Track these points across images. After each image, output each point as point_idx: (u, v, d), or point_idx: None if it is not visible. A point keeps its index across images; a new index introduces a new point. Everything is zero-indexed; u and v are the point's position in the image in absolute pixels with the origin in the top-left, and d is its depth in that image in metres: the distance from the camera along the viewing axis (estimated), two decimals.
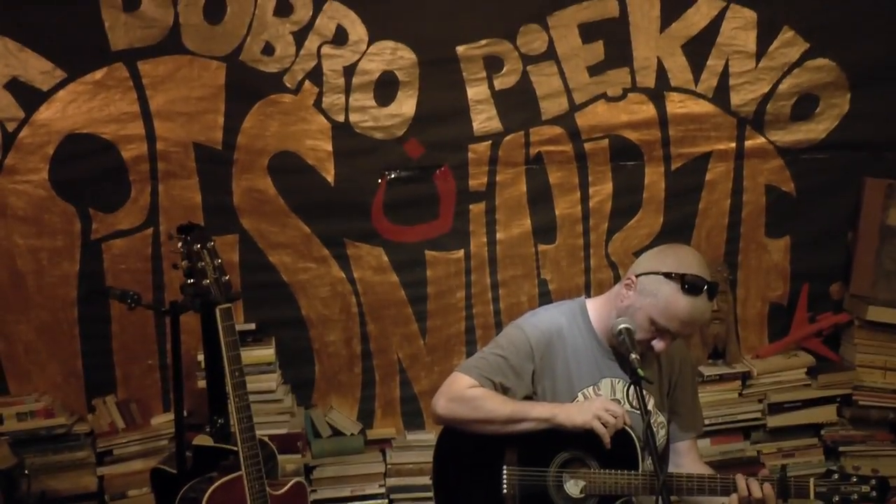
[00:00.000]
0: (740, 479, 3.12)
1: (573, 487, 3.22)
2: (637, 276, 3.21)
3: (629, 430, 3.18)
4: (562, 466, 3.23)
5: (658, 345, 3.20)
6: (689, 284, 3.11)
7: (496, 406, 3.22)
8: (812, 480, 3.12)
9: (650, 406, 3.28)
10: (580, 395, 3.29)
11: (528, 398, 3.31)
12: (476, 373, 3.29)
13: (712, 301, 3.19)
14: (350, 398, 4.77)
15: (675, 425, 3.46)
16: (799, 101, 4.67)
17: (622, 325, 3.14)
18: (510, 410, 3.21)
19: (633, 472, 3.16)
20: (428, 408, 4.72)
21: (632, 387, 3.02)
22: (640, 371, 2.97)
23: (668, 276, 3.14)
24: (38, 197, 4.42)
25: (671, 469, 3.39)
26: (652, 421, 3.22)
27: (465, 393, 3.26)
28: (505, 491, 3.26)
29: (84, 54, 4.36)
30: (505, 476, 3.26)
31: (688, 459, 3.46)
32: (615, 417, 3.12)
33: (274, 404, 4.49)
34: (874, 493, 3.10)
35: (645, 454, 3.17)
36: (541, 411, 3.20)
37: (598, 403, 3.17)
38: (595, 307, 3.39)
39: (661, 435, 3.34)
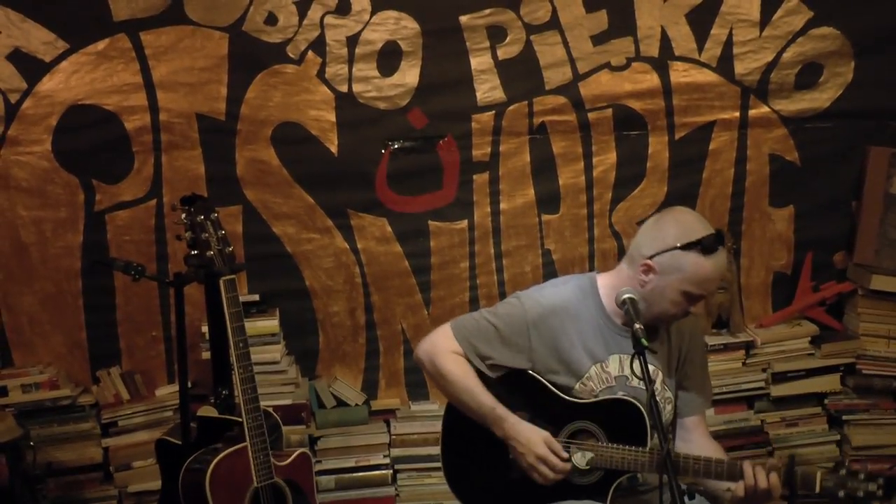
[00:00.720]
0: (747, 467, 3.10)
1: (580, 459, 3.22)
2: (650, 257, 3.18)
3: (639, 404, 3.18)
4: (570, 437, 3.24)
5: (697, 309, 3.26)
6: (707, 246, 3.12)
7: (459, 393, 3.30)
8: (819, 473, 3.09)
9: (657, 381, 3.29)
10: (591, 371, 3.27)
11: (515, 371, 3.32)
12: (463, 336, 3.33)
13: (725, 245, 3.21)
14: (354, 369, 4.78)
15: (684, 400, 3.44)
16: (803, 70, 4.65)
17: (626, 296, 3.12)
18: (475, 406, 3.28)
19: (639, 448, 3.17)
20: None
21: (636, 358, 3.02)
22: (643, 341, 2.96)
23: (684, 248, 3.13)
24: (42, 168, 4.42)
25: (680, 444, 3.40)
26: (658, 396, 3.24)
27: (441, 359, 3.33)
28: (511, 457, 3.28)
29: (86, 25, 4.35)
30: None
31: (696, 434, 3.43)
32: (546, 474, 3.17)
33: (278, 375, 4.50)
34: (880, 493, 3.06)
35: (654, 431, 3.17)
36: (496, 425, 3.25)
37: (538, 451, 3.18)
38: (606, 283, 3.36)
39: (667, 410, 3.33)
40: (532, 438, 3.20)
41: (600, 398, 3.26)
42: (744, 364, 4.70)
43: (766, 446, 4.67)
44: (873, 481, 3.06)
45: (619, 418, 3.19)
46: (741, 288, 4.82)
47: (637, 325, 3.00)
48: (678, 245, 3.14)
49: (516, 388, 3.31)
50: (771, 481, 3.08)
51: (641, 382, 3.10)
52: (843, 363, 4.71)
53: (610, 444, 3.20)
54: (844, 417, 4.71)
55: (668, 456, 2.88)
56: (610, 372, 3.28)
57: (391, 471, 4.63)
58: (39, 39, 4.32)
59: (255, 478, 3.48)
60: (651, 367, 3.13)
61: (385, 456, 4.63)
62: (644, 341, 2.95)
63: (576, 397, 3.27)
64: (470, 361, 3.32)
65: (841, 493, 3.07)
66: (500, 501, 3.36)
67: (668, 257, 3.16)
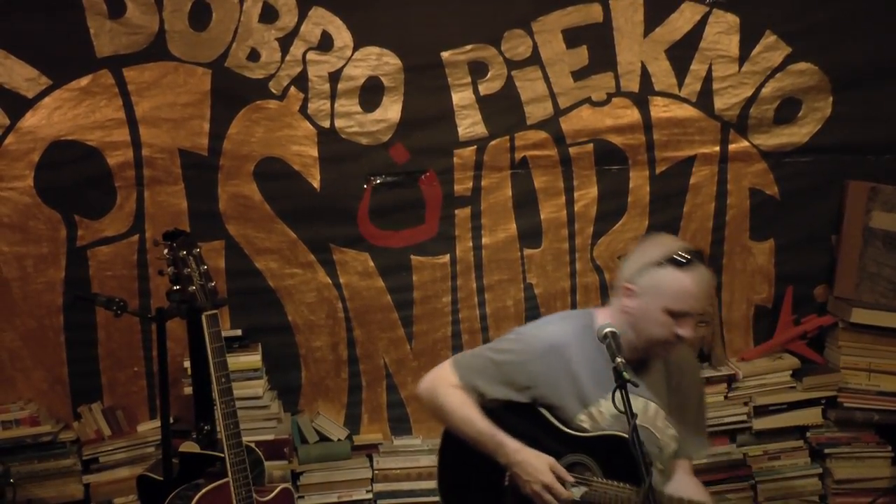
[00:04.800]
0: None
1: (575, 492, 3.21)
2: (631, 281, 3.19)
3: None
4: (567, 469, 3.23)
5: (686, 332, 3.16)
6: (681, 259, 3.11)
7: (458, 423, 3.27)
8: None
9: (660, 418, 3.28)
10: (590, 409, 3.24)
11: (516, 403, 3.30)
12: (463, 372, 3.31)
13: (708, 267, 3.17)
14: (337, 403, 4.77)
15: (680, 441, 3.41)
16: (782, 105, 4.70)
17: (607, 330, 3.10)
18: (474, 434, 3.25)
19: (631, 486, 3.13)
20: (415, 412, 4.75)
21: (639, 399, 3.07)
22: (625, 374, 2.95)
23: (658, 264, 3.13)
24: (24, 204, 4.42)
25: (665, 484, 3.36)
26: (660, 433, 3.25)
27: (440, 392, 3.31)
28: (507, 484, 3.27)
29: (69, 61, 4.36)
30: (508, 474, 3.27)
31: (680, 474, 3.38)
32: (551, 502, 3.14)
33: (260, 410, 4.49)
34: None
35: (651, 469, 3.14)
36: (498, 452, 3.22)
37: (545, 479, 3.15)
38: (602, 319, 3.30)
39: (671, 447, 3.30)
40: (538, 466, 3.16)
41: (597, 433, 3.23)
42: (726, 398, 4.70)
43: (749, 480, 4.67)
44: None
45: (615, 454, 3.17)
46: (722, 321, 4.84)
47: (619, 360, 2.99)
48: (653, 262, 3.14)
49: (516, 416, 3.29)
50: None
51: (643, 420, 3.16)
52: (824, 396, 4.72)
53: (604, 480, 3.19)
54: (826, 451, 4.72)
55: (650, 491, 2.89)
56: (603, 411, 3.22)
57: None
58: (22, 76, 4.33)
59: None
60: (653, 405, 3.18)
61: (368, 491, 4.61)
62: (626, 374, 2.95)
63: (575, 430, 3.25)
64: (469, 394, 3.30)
65: None
66: None
67: (647, 277, 3.16)
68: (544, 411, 3.28)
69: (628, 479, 3.14)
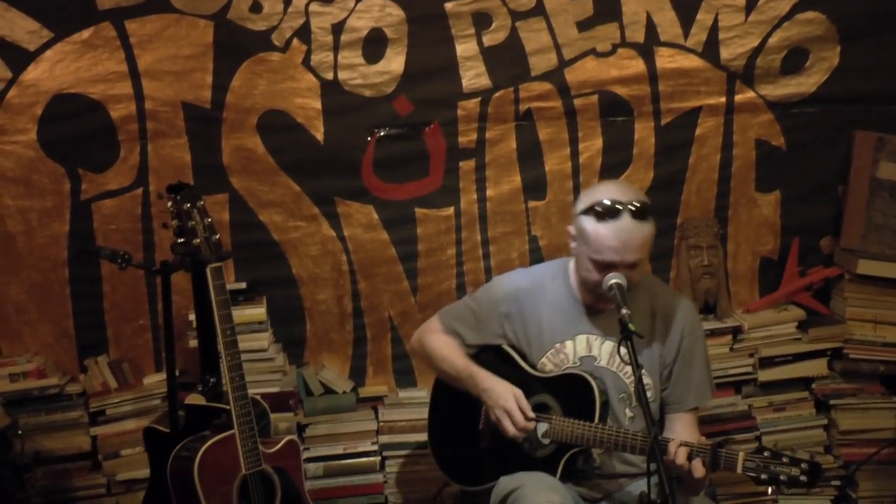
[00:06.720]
0: (672, 445, 3.11)
1: (539, 427, 3.34)
2: (572, 224, 3.37)
3: (591, 380, 3.26)
4: (534, 409, 3.35)
5: (614, 279, 3.22)
6: (601, 211, 3.22)
7: (439, 362, 3.64)
8: (741, 455, 3.05)
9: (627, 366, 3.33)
10: (553, 350, 3.44)
11: (491, 346, 3.55)
12: (445, 320, 3.69)
13: (643, 220, 3.24)
14: (342, 356, 4.79)
15: (676, 394, 3.46)
16: (789, 55, 4.66)
17: (612, 281, 3.15)
18: (453, 371, 3.55)
19: (588, 423, 3.27)
20: (420, 365, 4.75)
21: (607, 342, 3.24)
22: (630, 326, 2.97)
23: (583, 213, 3.27)
24: (27, 157, 4.42)
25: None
26: (629, 380, 3.33)
27: (427, 340, 3.70)
28: (481, 426, 3.48)
29: (71, 13, 4.34)
30: (483, 413, 3.48)
31: (678, 426, 3.43)
32: (508, 428, 3.31)
33: (266, 363, 4.50)
34: (804, 478, 2.98)
35: (607, 409, 3.30)
36: (469, 384, 3.47)
37: (506, 405, 3.31)
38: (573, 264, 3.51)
39: (649, 395, 3.32)
40: (502, 392, 3.34)
41: (558, 373, 3.40)
42: (731, 349, 4.71)
43: (754, 431, 4.68)
44: (797, 466, 2.99)
45: (573, 393, 3.32)
46: (728, 273, 4.83)
47: (624, 311, 3.02)
48: (580, 211, 3.30)
49: (491, 359, 3.52)
50: (694, 465, 3.07)
51: (610, 363, 3.34)
52: (830, 347, 4.72)
53: (563, 418, 3.32)
54: (832, 402, 4.71)
55: (655, 441, 2.90)
56: (568, 353, 3.39)
57: (379, 458, 4.63)
58: (23, 28, 4.31)
59: (243, 465, 3.49)
60: (622, 351, 3.18)
61: (373, 443, 4.63)
62: (631, 326, 2.97)
63: (540, 372, 3.43)
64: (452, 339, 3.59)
65: (763, 476, 3.01)
66: (470, 471, 3.56)
67: (576, 224, 3.33)
68: (514, 353, 3.51)
69: (581, 416, 3.30)
